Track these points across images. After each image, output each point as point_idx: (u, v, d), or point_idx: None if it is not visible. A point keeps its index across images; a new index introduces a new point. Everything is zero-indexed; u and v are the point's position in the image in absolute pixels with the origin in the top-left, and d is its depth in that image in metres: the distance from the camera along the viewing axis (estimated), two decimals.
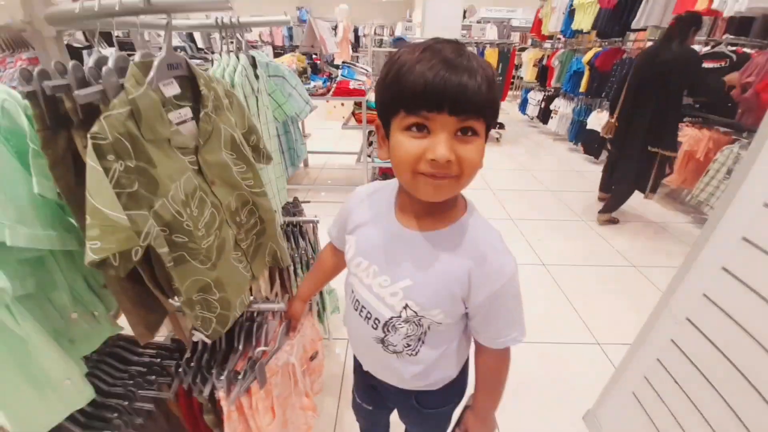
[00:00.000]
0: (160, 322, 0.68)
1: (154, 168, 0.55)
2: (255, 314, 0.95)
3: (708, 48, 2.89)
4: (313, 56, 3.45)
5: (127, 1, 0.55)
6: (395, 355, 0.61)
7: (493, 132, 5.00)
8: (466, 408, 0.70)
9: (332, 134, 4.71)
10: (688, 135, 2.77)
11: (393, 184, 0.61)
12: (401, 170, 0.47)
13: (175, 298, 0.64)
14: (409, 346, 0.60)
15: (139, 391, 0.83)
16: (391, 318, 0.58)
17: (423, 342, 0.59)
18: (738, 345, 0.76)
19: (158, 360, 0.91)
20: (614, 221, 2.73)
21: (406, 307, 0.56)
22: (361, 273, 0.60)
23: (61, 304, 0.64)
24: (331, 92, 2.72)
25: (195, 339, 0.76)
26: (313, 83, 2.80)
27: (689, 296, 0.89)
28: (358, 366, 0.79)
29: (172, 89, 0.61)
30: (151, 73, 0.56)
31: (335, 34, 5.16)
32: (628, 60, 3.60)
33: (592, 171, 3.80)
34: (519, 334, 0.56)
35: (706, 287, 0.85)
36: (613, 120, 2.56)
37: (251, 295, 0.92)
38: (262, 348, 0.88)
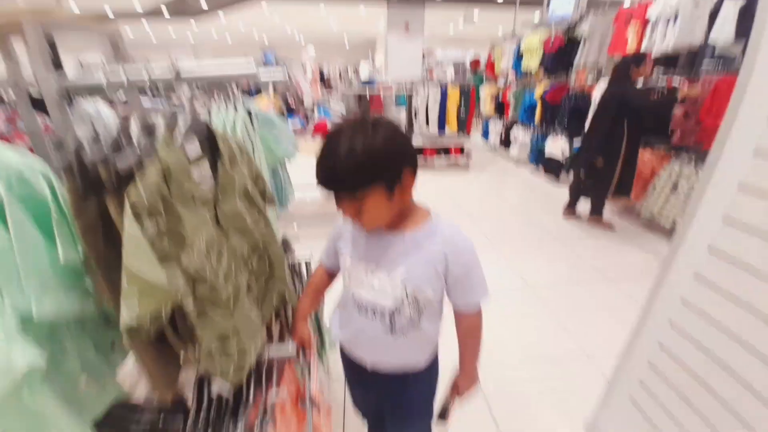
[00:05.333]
0: (177, 378, 0.66)
1: (182, 225, 0.57)
2: (262, 360, 0.93)
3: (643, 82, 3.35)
4: (287, 96, 3.57)
5: (156, 74, 0.59)
6: (401, 337, 0.75)
7: (460, 159, 5.28)
8: (454, 377, 0.85)
9: (306, 166, 4.76)
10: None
11: None
12: None
13: (194, 351, 0.64)
14: (412, 323, 0.74)
15: None
16: (395, 305, 0.72)
17: (422, 318, 0.74)
18: (722, 344, 0.85)
19: (161, 421, 0.86)
20: (611, 228, 3.07)
21: (405, 291, 0.71)
22: (360, 276, 0.74)
23: (71, 371, 0.61)
24: (310, 131, 2.81)
25: (214, 389, 0.73)
26: (290, 122, 2.89)
27: (669, 301, 0.99)
28: (352, 373, 0.93)
29: (194, 149, 0.64)
30: (179, 136, 0.59)
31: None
32: (573, 94, 4.06)
33: (555, 191, 4.11)
34: (485, 293, 0.74)
35: (683, 293, 0.96)
36: (599, 162, 2.92)
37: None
38: (273, 398, 0.86)
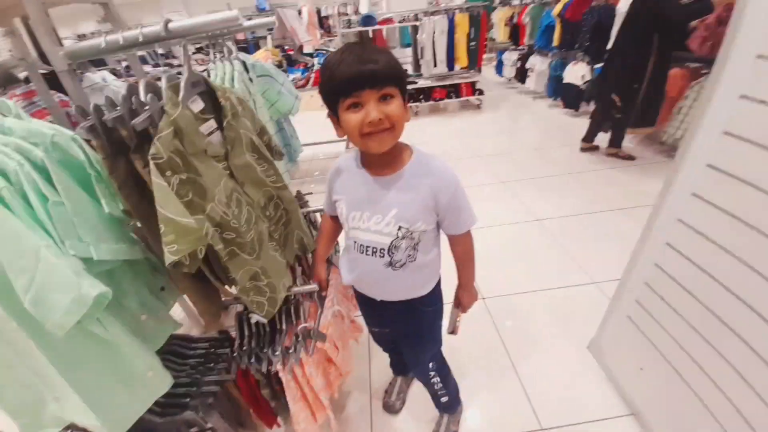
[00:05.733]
0: (220, 312, 0.78)
1: (200, 177, 0.63)
2: (291, 298, 1.06)
3: None
4: (286, 48, 3.42)
5: (148, 32, 0.61)
6: (401, 270, 0.81)
7: (473, 99, 5.04)
8: (455, 293, 0.95)
9: (314, 124, 4.69)
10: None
11: (353, 153, 0.81)
12: (353, 137, 0.67)
13: (231, 288, 0.74)
14: (410, 256, 0.81)
15: (203, 378, 0.94)
16: (392, 241, 0.78)
17: (418, 250, 0.80)
18: (715, 262, 0.89)
19: (212, 350, 1.02)
20: (630, 158, 2.98)
21: (399, 228, 0.76)
22: (357, 222, 0.79)
23: (132, 308, 0.73)
24: (311, 82, 2.74)
25: (253, 320, 0.86)
26: (291, 76, 2.81)
27: (667, 223, 1.01)
28: (367, 309, 1.02)
29: (197, 105, 0.68)
30: (181, 93, 0.63)
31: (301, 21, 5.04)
32: (597, 8, 3.65)
33: (574, 124, 3.91)
34: (473, 218, 0.81)
35: (680, 212, 0.97)
36: (617, 99, 2.72)
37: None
38: (303, 325, 0.99)
